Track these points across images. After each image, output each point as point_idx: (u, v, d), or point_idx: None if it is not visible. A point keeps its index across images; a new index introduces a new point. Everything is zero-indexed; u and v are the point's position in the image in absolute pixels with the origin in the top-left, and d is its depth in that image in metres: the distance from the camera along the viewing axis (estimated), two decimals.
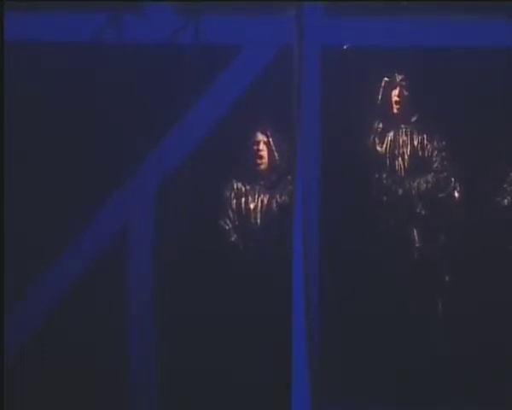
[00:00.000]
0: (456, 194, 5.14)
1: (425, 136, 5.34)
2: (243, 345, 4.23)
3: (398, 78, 4.70)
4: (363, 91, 4.74)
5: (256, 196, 5.75)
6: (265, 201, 5.71)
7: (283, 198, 5.68)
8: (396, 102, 4.84)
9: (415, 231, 5.09)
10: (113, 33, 4.16)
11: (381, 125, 5.53)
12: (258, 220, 5.63)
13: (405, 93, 4.76)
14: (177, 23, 4.19)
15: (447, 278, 4.67)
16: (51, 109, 4.25)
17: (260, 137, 5.62)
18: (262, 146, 5.58)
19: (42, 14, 4.03)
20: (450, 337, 4.38)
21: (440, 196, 5.25)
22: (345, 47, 4.41)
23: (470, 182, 5.07)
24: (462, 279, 4.61)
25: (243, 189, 5.71)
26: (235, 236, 5.63)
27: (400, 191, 5.66)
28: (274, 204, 5.68)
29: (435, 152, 5.29)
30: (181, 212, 5.00)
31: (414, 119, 5.10)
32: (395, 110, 4.96)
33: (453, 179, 5.16)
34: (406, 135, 5.43)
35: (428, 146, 5.32)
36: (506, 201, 4.69)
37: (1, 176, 3.27)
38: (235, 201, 5.63)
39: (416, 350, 4.31)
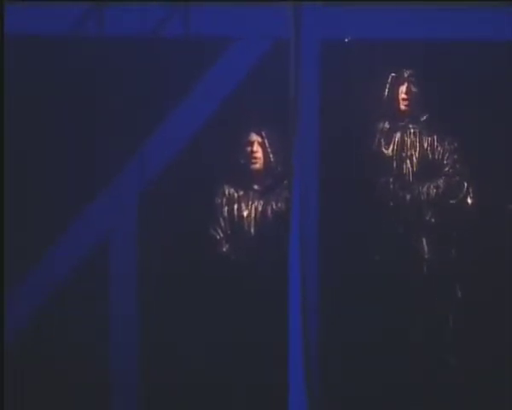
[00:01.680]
0: (469, 200, 4.85)
1: (435, 137, 5.09)
2: (236, 361, 3.98)
3: (406, 73, 4.44)
4: (367, 88, 4.54)
5: (249, 203, 5.52)
6: (260, 208, 5.49)
7: (279, 205, 5.60)
8: (404, 99, 4.59)
9: (424, 241, 4.81)
10: (94, 25, 3.88)
11: (387, 125, 5.33)
12: (252, 229, 5.39)
13: (414, 90, 4.49)
14: (165, 14, 3.93)
15: (459, 293, 4.40)
16: (28, 107, 4.01)
17: (254, 137, 5.36)
18: (256, 147, 5.37)
19: (26, 7, 3.77)
20: (460, 354, 4.16)
21: (452, 202, 4.96)
22: (347, 40, 4.12)
23: (484, 187, 4.79)
24: (476, 294, 4.35)
25: (235, 195, 5.48)
26: (227, 246, 5.41)
27: (408, 197, 5.48)
28: (269, 211, 5.45)
29: (446, 154, 5.03)
30: (167, 219, 4.77)
31: (423, 118, 4.81)
32: (403, 108, 4.68)
33: (466, 184, 4.88)
34: (415, 136, 5.27)
35: (439, 148, 5.06)
36: None
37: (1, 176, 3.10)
38: (226, 208, 5.41)
39: (422, 365, 4.09)
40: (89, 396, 3.64)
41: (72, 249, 4.08)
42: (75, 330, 3.94)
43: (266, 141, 5.23)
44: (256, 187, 5.44)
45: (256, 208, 5.43)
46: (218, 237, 5.10)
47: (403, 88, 4.53)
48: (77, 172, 4.36)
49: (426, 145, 5.15)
